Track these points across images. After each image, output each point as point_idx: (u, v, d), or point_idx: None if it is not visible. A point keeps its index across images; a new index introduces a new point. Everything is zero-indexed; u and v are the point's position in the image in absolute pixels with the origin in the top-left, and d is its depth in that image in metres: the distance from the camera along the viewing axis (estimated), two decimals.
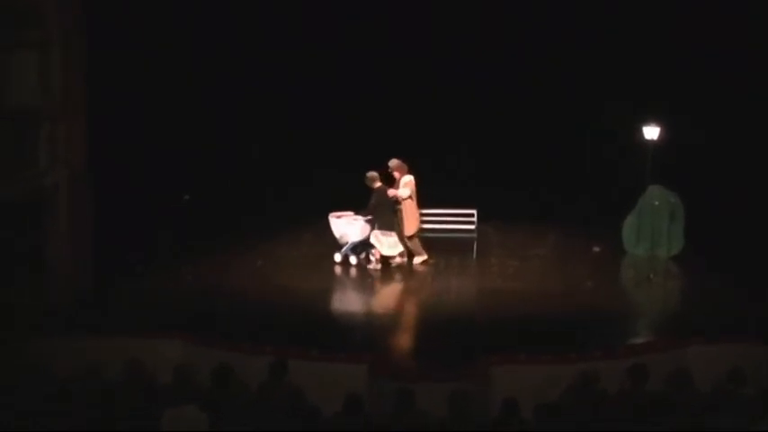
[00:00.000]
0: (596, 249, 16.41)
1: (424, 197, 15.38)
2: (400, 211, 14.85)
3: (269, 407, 8.16)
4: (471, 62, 18.49)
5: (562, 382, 8.74)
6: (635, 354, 10.16)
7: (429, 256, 15.02)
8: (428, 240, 15.76)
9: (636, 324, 12.73)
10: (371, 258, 14.95)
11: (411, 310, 13.35)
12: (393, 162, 14.79)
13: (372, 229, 14.86)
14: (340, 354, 10.07)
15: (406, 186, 14.69)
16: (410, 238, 14.87)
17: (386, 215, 14.89)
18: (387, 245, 14.90)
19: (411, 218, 14.86)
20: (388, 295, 13.97)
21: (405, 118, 18.32)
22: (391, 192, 14.69)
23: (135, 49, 16.42)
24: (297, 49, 18.08)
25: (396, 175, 14.83)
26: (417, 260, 14.85)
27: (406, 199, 14.70)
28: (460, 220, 16.37)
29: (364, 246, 15.13)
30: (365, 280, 14.20)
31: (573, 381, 8.69)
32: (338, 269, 15.03)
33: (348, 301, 14.09)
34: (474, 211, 16.36)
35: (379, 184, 14.73)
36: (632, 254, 16.20)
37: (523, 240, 16.85)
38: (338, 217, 15.20)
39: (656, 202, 16.14)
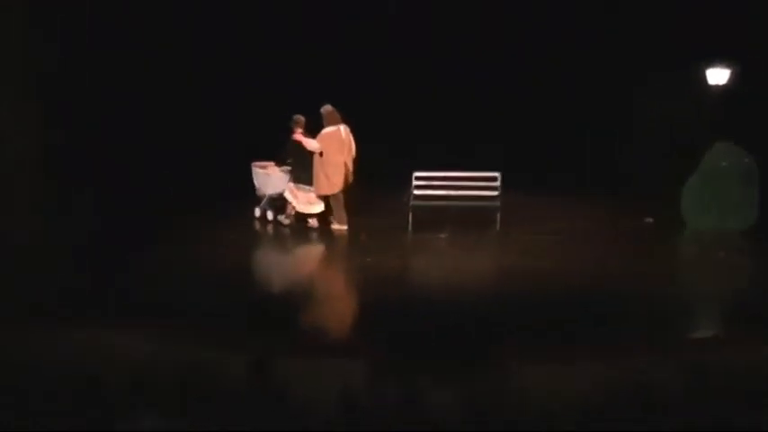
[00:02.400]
0: (648, 221, 14.77)
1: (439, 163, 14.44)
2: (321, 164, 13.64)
3: (248, 409, 7.18)
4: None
5: (602, 383, 7.54)
6: (695, 351, 9.23)
7: (362, 233, 13.65)
8: (440, 209, 14.27)
9: (698, 314, 11.09)
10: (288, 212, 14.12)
11: (416, 292, 11.44)
12: (324, 108, 13.59)
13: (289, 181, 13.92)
14: (334, 348, 9.26)
15: (322, 138, 13.47)
16: (333, 198, 13.67)
17: (302, 167, 13.74)
18: (303, 201, 13.85)
19: (321, 175, 13.55)
20: (388, 273, 12.01)
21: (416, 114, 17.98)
22: (297, 137, 13.58)
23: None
24: (296, 49, 18.10)
25: (324, 123, 13.65)
26: (334, 226, 13.69)
27: (316, 152, 13.47)
28: (481, 186, 14.50)
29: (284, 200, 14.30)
30: (366, 255, 12.61)
31: (617, 381, 7.52)
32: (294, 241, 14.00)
33: (337, 284, 12.57)
34: (497, 175, 14.42)
35: (300, 130, 13.65)
36: (694, 226, 14.57)
37: (556, 211, 15.48)
38: (262, 167, 14.34)
39: (725, 163, 14.53)
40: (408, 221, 14.37)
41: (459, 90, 18.30)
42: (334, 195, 13.77)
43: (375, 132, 14.67)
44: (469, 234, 14.03)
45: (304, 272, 12.99)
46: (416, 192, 14.40)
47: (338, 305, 11.45)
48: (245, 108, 17.53)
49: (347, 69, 17.81)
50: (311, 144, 13.63)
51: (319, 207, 13.93)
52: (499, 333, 9.56)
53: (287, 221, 14.09)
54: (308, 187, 13.87)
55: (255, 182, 14.53)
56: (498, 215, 14.49)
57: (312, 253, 13.94)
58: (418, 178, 14.50)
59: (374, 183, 14.54)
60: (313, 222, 13.99)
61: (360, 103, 14.80)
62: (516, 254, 13.08)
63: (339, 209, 13.81)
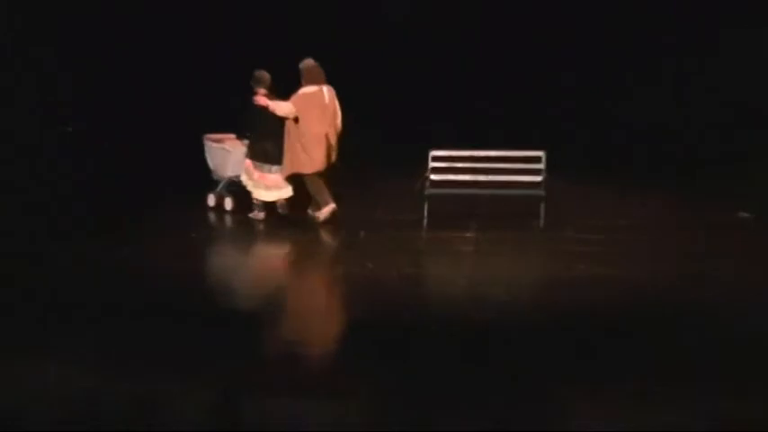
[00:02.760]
0: (744, 215, 13.47)
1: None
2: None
3: None
4: None
5: None
6: None
7: (360, 230, 12.74)
8: (465, 199, 13.40)
9: None
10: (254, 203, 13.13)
11: (433, 313, 10.32)
12: (304, 62, 12.75)
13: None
14: (318, 386, 8.35)
15: (298, 100, 12.63)
16: (309, 182, 12.90)
17: (268, 141, 12.87)
18: (263, 185, 12.99)
19: (297, 148, 12.74)
20: (395, 286, 11.12)
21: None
22: (260, 100, 12.68)
23: None
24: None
25: (303, 81, 12.77)
26: (318, 213, 12.92)
27: (288, 118, 12.69)
28: (519, 169, 13.31)
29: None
30: (365, 260, 11.72)
31: None
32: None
33: (324, 300, 11.33)
34: (541, 155, 13.29)
35: (264, 91, 12.77)
36: None
37: (618, 201, 14.54)
38: (217, 141, 13.46)
39: None
40: (423, 216, 13.28)
41: (485, 47, 17.73)
42: (310, 178, 12.92)
43: (379, 103, 15.25)
44: (504, 232, 13.06)
45: (279, 284, 11.76)
46: (434, 177, 13.42)
47: (325, 330, 10.26)
48: (196, 62, 17.29)
49: (344, 19, 17.39)
50: (282, 108, 12.69)
51: (286, 192, 13.05)
52: (554, 371, 8.64)
53: (261, 216, 13.11)
54: (273, 167, 13.00)
55: (209, 161, 13.56)
56: (542, 207, 13.33)
57: (291, 257, 12.75)
58: (437, 159, 13.47)
59: (378, 165, 14.82)
60: (282, 210, 13.19)
61: (357, 66, 15.14)
62: (570, 258, 11.91)
63: (320, 191, 12.96)
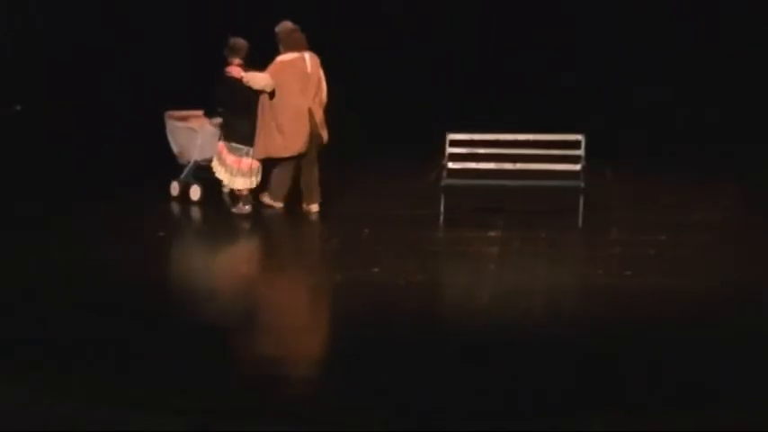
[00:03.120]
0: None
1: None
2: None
3: None
4: None
5: None
6: None
7: (364, 228, 12.13)
8: (490, 192, 12.52)
9: None
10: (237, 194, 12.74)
11: (449, 330, 9.21)
12: (282, 25, 12.17)
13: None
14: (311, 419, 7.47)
15: (276, 69, 12.04)
16: (281, 165, 12.45)
17: (241, 117, 12.27)
18: (239, 171, 12.40)
19: (272, 127, 12.12)
20: (405, 295, 10.11)
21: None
22: (233, 71, 12.19)
23: None
24: None
25: (281, 48, 12.21)
26: (265, 200, 12.45)
27: (265, 91, 12.15)
28: (554, 155, 12.29)
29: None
30: (370, 263, 10.84)
31: None
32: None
33: (320, 313, 10.34)
34: (580, 138, 12.26)
35: (238, 61, 12.33)
36: None
37: (676, 195, 13.49)
38: (182, 119, 12.92)
39: None
40: (438, 211, 12.30)
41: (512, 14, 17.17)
42: (283, 164, 12.32)
43: (386, 78, 15.22)
44: (537, 231, 12.06)
45: (265, 293, 10.72)
46: (451, 165, 12.51)
47: (315, 349, 9.34)
48: (159, 30, 16.59)
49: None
50: (257, 80, 12.06)
51: (256, 179, 12.39)
52: (612, 404, 7.78)
53: (247, 209, 12.31)
54: (251, 150, 12.33)
55: (172, 143, 12.85)
56: (581, 201, 12.20)
57: (281, 260, 11.86)
58: (455, 143, 12.56)
59: (385, 151, 14.45)
60: (270, 202, 12.61)
61: (360, 36, 15.26)
62: (621, 264, 10.82)
63: (283, 185, 12.31)
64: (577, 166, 12.10)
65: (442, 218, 12.09)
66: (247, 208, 12.29)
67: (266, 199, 12.41)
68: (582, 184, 12.12)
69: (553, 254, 11.39)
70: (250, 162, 12.27)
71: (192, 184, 12.77)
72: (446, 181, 12.21)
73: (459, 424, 7.48)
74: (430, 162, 12.66)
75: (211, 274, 11.32)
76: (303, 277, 11.23)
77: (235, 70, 12.12)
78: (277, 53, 12.12)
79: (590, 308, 9.79)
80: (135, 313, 9.42)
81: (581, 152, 12.16)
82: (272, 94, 12.09)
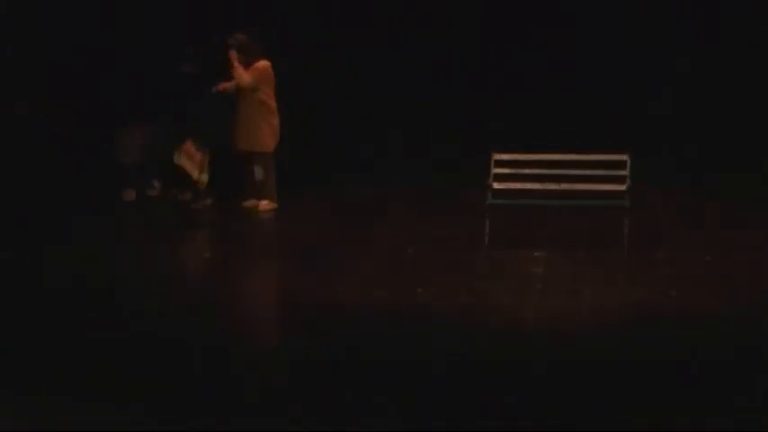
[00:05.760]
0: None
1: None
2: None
3: None
4: None
5: None
6: None
7: (409, 246, 12.04)
8: (535, 211, 12.65)
9: None
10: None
11: (495, 355, 8.75)
12: (237, 37, 12.67)
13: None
14: None
15: (260, 72, 12.63)
16: (270, 162, 12.92)
17: (215, 115, 12.74)
18: (204, 166, 12.86)
19: (264, 125, 12.77)
20: (452, 316, 9.81)
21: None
22: (236, 66, 12.70)
23: None
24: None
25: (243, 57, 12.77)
26: (261, 204, 12.90)
27: (245, 89, 12.67)
28: (599, 176, 12.52)
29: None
30: (415, 284, 10.54)
31: None
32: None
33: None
34: (626, 158, 12.50)
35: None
36: None
37: (725, 216, 13.17)
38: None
39: None
40: (483, 231, 12.51)
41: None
42: (271, 161, 12.82)
43: (431, 95, 15.17)
44: (582, 251, 11.75)
45: (302, 314, 10.02)
46: (496, 185, 12.73)
47: (355, 376, 8.51)
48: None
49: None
50: (244, 78, 12.68)
51: (205, 176, 12.98)
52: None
53: (208, 202, 12.84)
54: (208, 143, 12.87)
55: (120, 146, 13.15)
56: (627, 221, 12.43)
57: (318, 277, 11.13)
58: (500, 163, 12.74)
59: (427, 171, 14.52)
60: (256, 203, 12.81)
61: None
62: (667, 285, 10.44)
63: (273, 179, 12.85)
64: (623, 186, 12.31)
65: (486, 237, 12.20)
66: (209, 201, 12.70)
67: (266, 205, 12.64)
68: (627, 204, 12.30)
69: (598, 274, 10.92)
70: (203, 156, 12.64)
71: (152, 181, 12.97)
72: (491, 200, 12.40)
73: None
74: (474, 183, 12.80)
75: (231, 289, 10.70)
76: (344, 296, 10.67)
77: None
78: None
79: (636, 331, 9.46)
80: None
81: (626, 172, 12.32)
82: (262, 99, 12.60)
